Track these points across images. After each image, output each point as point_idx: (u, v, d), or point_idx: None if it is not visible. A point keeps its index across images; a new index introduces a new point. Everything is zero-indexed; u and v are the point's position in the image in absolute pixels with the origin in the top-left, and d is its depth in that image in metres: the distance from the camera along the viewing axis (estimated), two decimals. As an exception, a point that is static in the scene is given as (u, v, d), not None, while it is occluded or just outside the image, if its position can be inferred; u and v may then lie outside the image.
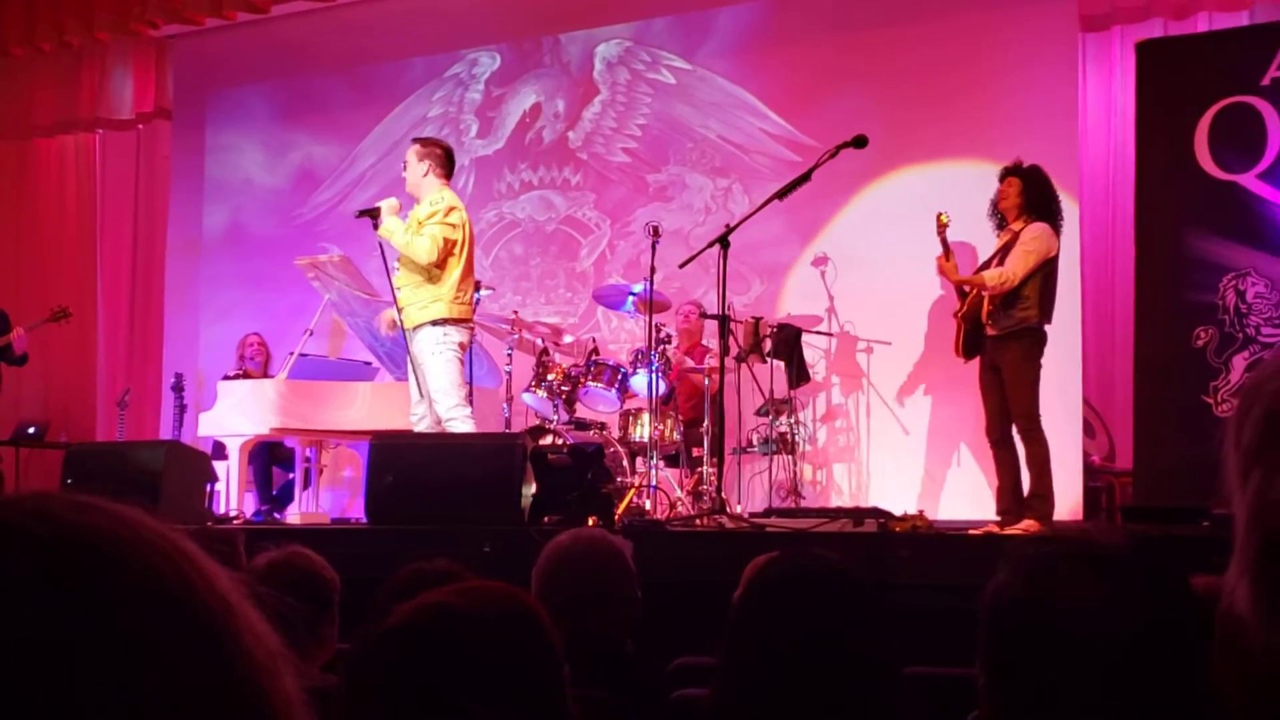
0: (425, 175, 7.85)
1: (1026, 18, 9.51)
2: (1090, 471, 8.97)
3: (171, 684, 0.71)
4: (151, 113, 13.11)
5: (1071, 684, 1.59)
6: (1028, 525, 6.97)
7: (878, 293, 9.58)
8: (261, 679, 0.77)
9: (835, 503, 9.24)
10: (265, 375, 10.30)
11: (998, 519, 7.29)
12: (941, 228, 7.69)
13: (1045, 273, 7.32)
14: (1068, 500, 8.37)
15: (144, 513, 0.78)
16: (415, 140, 8.20)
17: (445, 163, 7.92)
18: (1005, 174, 7.58)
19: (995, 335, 7.36)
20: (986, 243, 7.89)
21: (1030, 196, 7.46)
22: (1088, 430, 9.18)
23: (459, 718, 1.61)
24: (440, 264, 7.65)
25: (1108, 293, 9.72)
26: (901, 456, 9.54)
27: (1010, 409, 7.30)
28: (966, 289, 7.52)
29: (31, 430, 11.57)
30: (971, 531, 7.08)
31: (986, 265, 7.58)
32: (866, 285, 9.64)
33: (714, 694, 2.36)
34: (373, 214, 7.81)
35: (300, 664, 0.84)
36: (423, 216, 7.69)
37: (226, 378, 10.18)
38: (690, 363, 9.17)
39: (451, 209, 7.72)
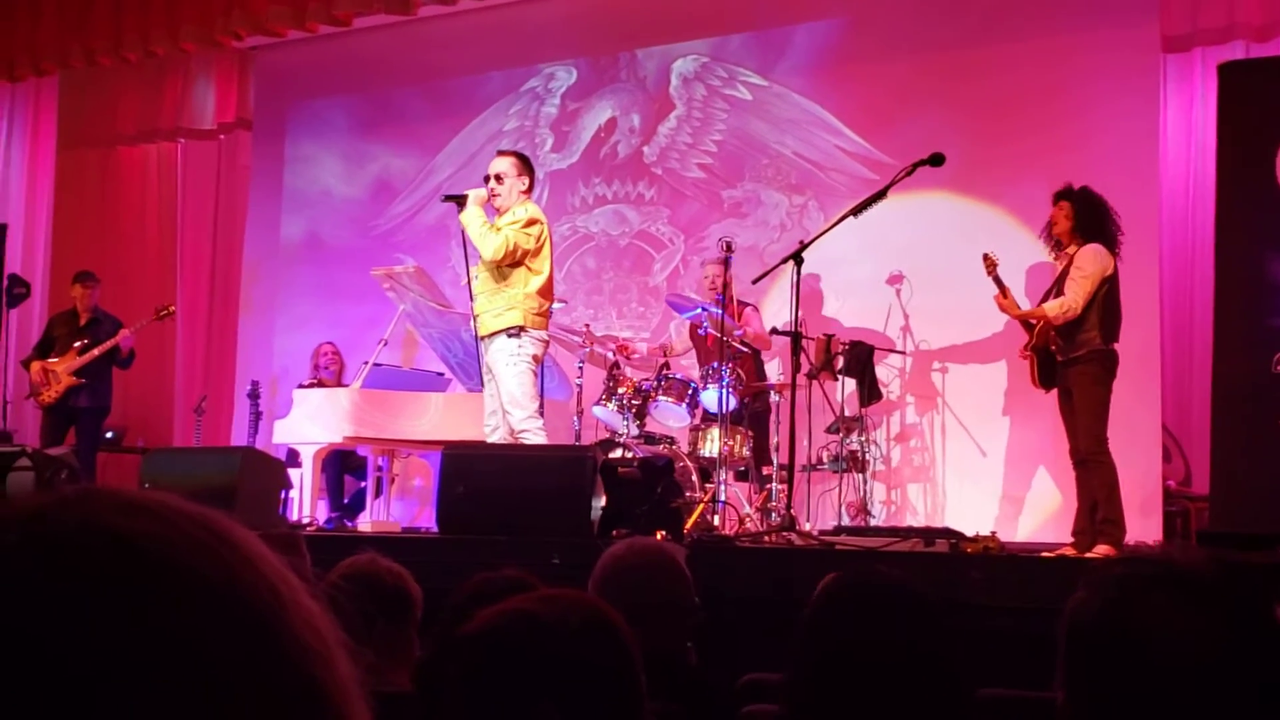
0: (510, 187, 7.91)
1: (1108, 39, 9.43)
2: (1166, 496, 8.88)
3: (219, 679, 0.72)
4: (233, 123, 13.30)
5: (1153, 706, 1.57)
6: (1101, 550, 6.91)
7: (954, 312, 9.52)
8: (315, 667, 0.76)
9: (910, 523, 9.18)
10: (339, 384, 10.38)
11: (1072, 540, 7.24)
12: (991, 267, 7.64)
13: (1104, 293, 7.23)
14: (1146, 525, 8.28)
15: (189, 506, 0.79)
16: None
17: (523, 172, 7.98)
18: (1056, 198, 7.52)
19: (1063, 361, 7.31)
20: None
21: (1081, 219, 7.38)
22: (1164, 454, 9.08)
23: (538, 722, 1.62)
24: (511, 265, 7.70)
25: (1186, 316, 9.61)
26: (978, 478, 9.47)
27: (1076, 432, 7.25)
28: (1031, 321, 7.47)
29: (109, 435, 11.73)
30: (1044, 554, 7.03)
31: (1047, 293, 7.52)
32: (942, 304, 9.59)
33: (782, 709, 2.36)
34: (459, 200, 7.89)
35: (380, 668, 0.84)
36: (503, 222, 7.76)
37: (301, 386, 10.28)
38: (738, 329, 9.03)
39: (533, 221, 7.77)
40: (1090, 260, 7.23)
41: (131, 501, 0.77)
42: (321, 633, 0.79)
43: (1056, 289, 7.41)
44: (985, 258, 7.74)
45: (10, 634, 0.70)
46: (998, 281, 7.68)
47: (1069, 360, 7.27)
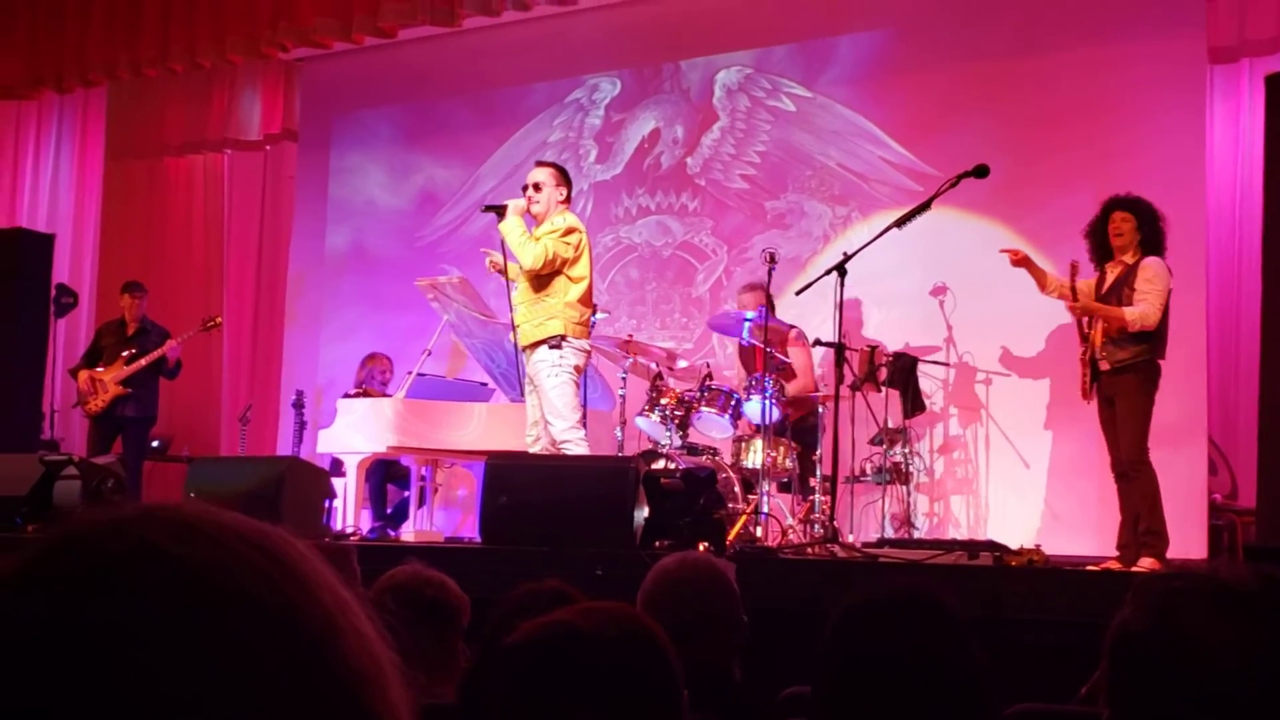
0: (548, 196, 7.95)
1: (1154, 50, 9.37)
2: (1212, 509, 8.80)
3: (269, 708, 0.72)
4: (278, 134, 13.38)
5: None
6: (1146, 563, 6.86)
7: (997, 323, 9.48)
8: (365, 691, 0.77)
9: (952, 536, 9.13)
10: (384, 395, 10.42)
11: (1117, 554, 7.19)
12: (1075, 273, 7.52)
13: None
14: (1191, 538, 8.22)
15: (248, 527, 0.79)
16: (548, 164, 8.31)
17: (561, 183, 8.02)
18: (1116, 206, 7.46)
19: (1109, 370, 7.26)
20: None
21: (1145, 230, 7.35)
22: (1210, 468, 9.00)
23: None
24: (550, 274, 7.72)
25: (1233, 329, 9.54)
26: (1022, 490, 9.41)
27: (1119, 441, 7.21)
28: (1087, 330, 7.40)
29: (155, 444, 11.81)
30: (1089, 568, 6.98)
31: (1107, 299, 7.45)
32: (986, 316, 9.55)
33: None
34: (499, 210, 7.94)
35: (427, 683, 0.84)
36: (541, 231, 7.80)
37: (347, 395, 10.32)
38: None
39: (571, 230, 7.81)
40: (1160, 274, 7.21)
41: (189, 524, 0.78)
42: (378, 660, 0.79)
43: (1115, 296, 7.33)
44: (1073, 265, 7.57)
45: (61, 657, 0.70)
46: (1074, 288, 7.53)
47: (1117, 369, 7.22)
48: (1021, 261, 7.75)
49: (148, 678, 0.70)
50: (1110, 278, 7.43)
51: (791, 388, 9.00)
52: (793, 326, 9.30)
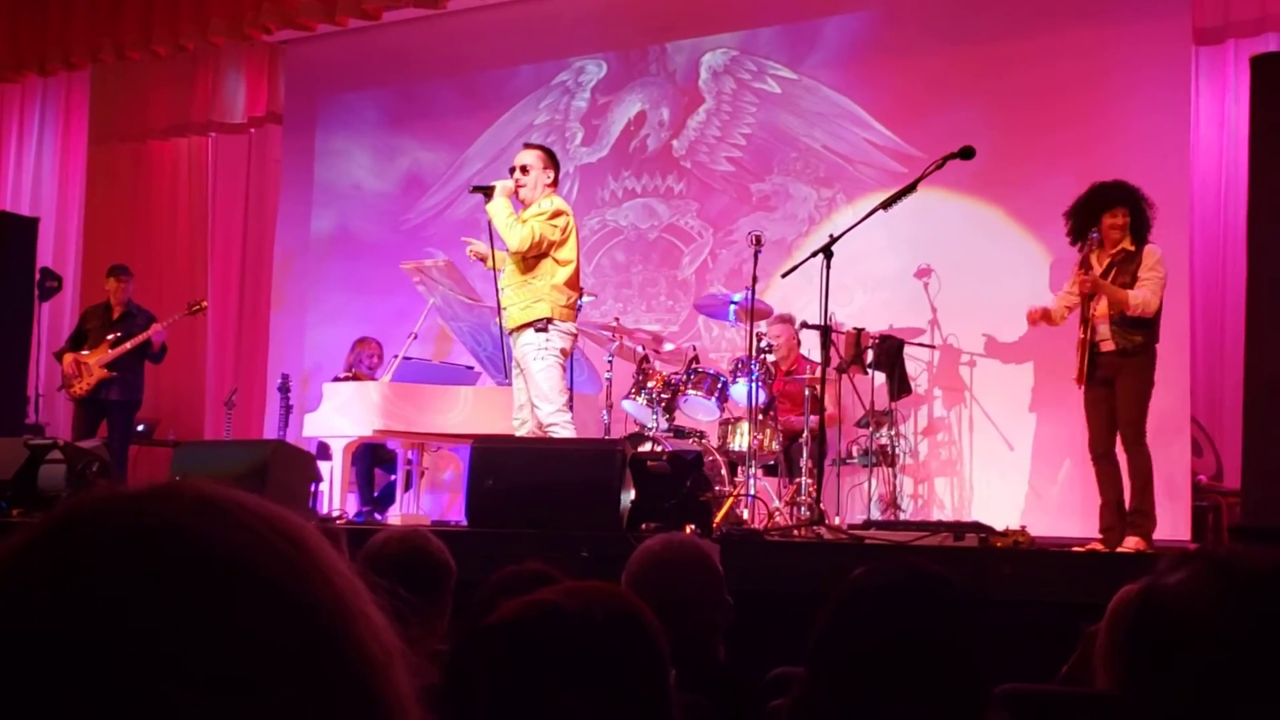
0: (535, 180, 7.92)
1: (1139, 32, 9.38)
2: (1198, 491, 8.83)
3: (279, 687, 0.72)
4: (263, 117, 13.34)
5: (1201, 697, 1.56)
6: (1132, 543, 6.88)
7: (982, 305, 9.49)
8: (374, 678, 0.77)
9: (936, 517, 9.14)
10: (373, 379, 10.40)
11: (1101, 537, 7.20)
12: (1091, 247, 7.50)
13: None
14: (1175, 519, 8.24)
15: (269, 510, 0.79)
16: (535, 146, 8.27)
17: (549, 165, 8.00)
18: (1109, 205, 7.44)
19: (1113, 351, 7.25)
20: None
21: (1137, 220, 7.37)
22: (1195, 449, 9.03)
23: (561, 714, 1.62)
24: (537, 256, 7.70)
25: (1218, 309, 9.56)
26: (1005, 472, 9.44)
27: (1119, 419, 7.21)
28: (1088, 314, 7.40)
29: (140, 428, 11.78)
30: (1075, 549, 7.00)
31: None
32: (970, 298, 9.56)
33: (795, 701, 2.35)
34: (486, 191, 7.91)
35: (413, 658, 0.85)
36: (529, 214, 7.77)
37: (337, 379, 10.31)
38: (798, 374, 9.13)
39: (559, 213, 7.79)
40: (1160, 262, 7.25)
41: (212, 503, 0.78)
42: (386, 646, 0.80)
43: (1113, 278, 7.33)
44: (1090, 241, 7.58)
45: (78, 628, 0.70)
46: (1086, 259, 7.50)
47: (1123, 351, 7.23)
48: (1038, 320, 7.76)
49: (153, 651, 0.70)
50: (1103, 263, 7.44)
51: (785, 422, 9.07)
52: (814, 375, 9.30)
